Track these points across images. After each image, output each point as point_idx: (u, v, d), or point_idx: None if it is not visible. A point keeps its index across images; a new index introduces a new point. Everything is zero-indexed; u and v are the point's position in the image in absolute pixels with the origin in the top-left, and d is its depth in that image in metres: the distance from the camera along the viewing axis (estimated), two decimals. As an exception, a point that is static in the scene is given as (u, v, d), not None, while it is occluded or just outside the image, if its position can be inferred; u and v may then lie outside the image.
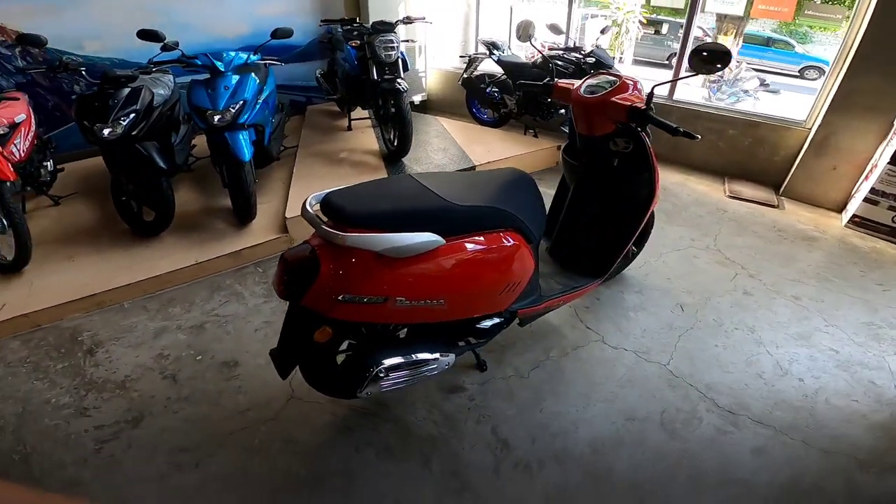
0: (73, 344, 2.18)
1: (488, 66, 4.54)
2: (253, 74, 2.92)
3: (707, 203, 3.54)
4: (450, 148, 3.90)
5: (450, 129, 4.40)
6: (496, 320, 1.76)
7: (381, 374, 1.50)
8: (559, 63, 3.95)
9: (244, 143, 2.72)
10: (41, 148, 3.44)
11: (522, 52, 4.81)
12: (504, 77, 4.40)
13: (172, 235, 2.89)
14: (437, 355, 1.63)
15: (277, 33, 3.00)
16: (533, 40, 3.59)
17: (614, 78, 1.95)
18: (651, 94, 1.82)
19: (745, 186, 3.80)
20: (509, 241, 1.57)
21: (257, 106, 2.91)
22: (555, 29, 3.81)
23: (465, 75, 4.67)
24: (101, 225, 3.03)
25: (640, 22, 10.67)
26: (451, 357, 1.69)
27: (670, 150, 4.20)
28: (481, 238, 1.51)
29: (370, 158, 3.74)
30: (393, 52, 3.40)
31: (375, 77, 3.43)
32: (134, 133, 2.67)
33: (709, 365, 2.10)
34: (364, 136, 4.22)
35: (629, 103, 1.80)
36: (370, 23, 3.76)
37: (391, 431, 1.79)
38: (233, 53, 2.86)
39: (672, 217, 3.30)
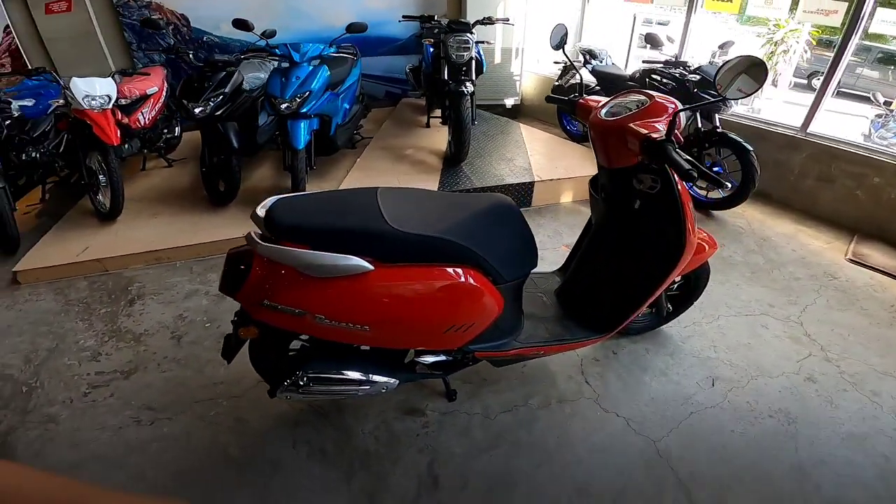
0: (122, 293, 2.55)
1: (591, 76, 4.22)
2: (326, 66, 3.09)
3: (814, 264, 2.87)
4: (517, 159, 3.71)
5: (529, 138, 4.19)
6: (441, 358, 1.63)
7: (302, 383, 1.49)
8: (656, 78, 3.52)
9: (301, 132, 2.90)
10: (169, 117, 4.08)
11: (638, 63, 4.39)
12: (598, 88, 4.07)
13: (237, 207, 3.21)
14: (375, 377, 1.56)
15: (352, 28, 3.13)
16: (567, 48, 3.22)
17: (646, 98, 1.61)
18: (673, 122, 1.43)
19: (877, 251, 3.01)
20: (462, 279, 1.43)
21: (324, 97, 3.08)
22: (652, 40, 3.38)
23: (556, 82, 4.41)
24: (189, 190, 3.49)
25: (808, 42, 9.03)
26: (393, 382, 1.61)
27: (789, 192, 3.53)
28: (425, 271, 1.40)
29: (433, 160, 3.73)
30: (465, 53, 3.33)
31: (445, 77, 3.40)
32: (218, 113, 3.01)
33: (709, 451, 1.72)
34: (439, 135, 4.23)
35: (646, 132, 1.46)
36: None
37: (332, 436, 1.78)
38: (310, 45, 3.06)
39: (757, 275, 2.74)
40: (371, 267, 1.32)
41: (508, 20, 3.82)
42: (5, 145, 3.18)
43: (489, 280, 1.50)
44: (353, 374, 1.53)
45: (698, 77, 3.31)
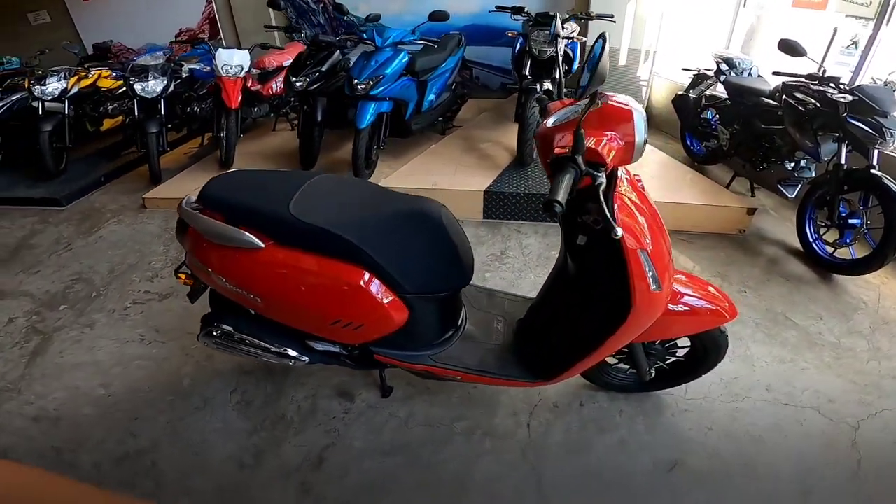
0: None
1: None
2: (405, 52, 3.19)
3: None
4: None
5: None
6: (330, 348, 1.63)
7: (216, 334, 1.64)
8: (797, 96, 2.77)
9: (367, 114, 3.08)
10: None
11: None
12: (728, 102, 3.39)
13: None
14: (284, 349, 1.63)
15: (434, 15, 3.18)
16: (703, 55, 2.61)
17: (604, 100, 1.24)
18: (579, 136, 1.06)
19: None
20: (348, 278, 1.40)
21: (398, 82, 3.20)
22: (789, 49, 2.62)
23: (680, 92, 3.78)
24: (294, 153, 3.94)
25: None
26: (304, 359, 1.65)
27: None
28: (313, 260, 1.40)
29: (503, 157, 3.53)
30: (547, 49, 3.08)
31: (526, 72, 3.20)
32: (312, 88, 3.38)
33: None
34: (529, 134, 4.03)
35: (559, 146, 1.16)
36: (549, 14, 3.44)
37: (266, 393, 1.92)
38: (394, 31, 3.19)
39: (841, 362, 2.01)
40: (262, 245, 1.39)
41: (612, 17, 3.39)
42: (173, 99, 4.06)
43: (387, 286, 1.43)
44: (262, 342, 1.63)
45: (852, 98, 2.50)
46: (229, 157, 3.71)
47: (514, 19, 3.38)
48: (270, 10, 4.85)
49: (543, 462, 1.65)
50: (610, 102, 1.21)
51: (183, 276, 1.63)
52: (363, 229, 1.40)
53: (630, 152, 1.20)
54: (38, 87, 3.84)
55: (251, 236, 1.39)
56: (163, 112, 3.78)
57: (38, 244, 3.14)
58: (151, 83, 3.66)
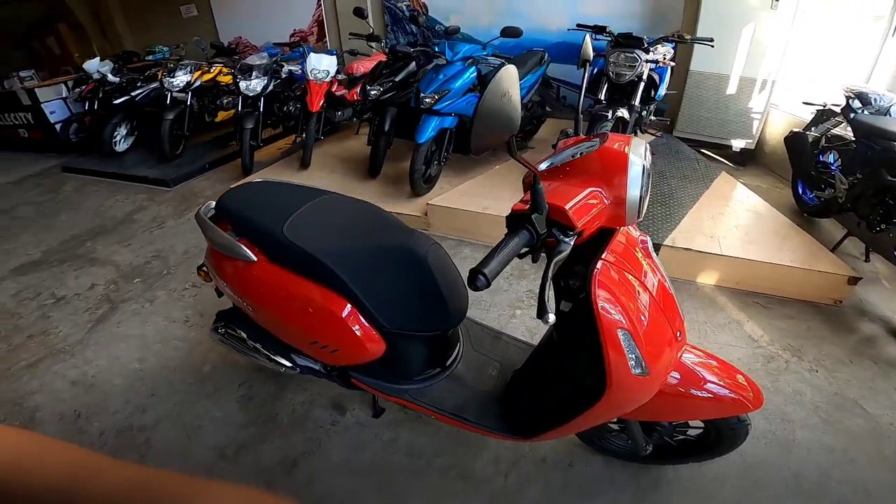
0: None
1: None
2: (475, 67, 3.14)
3: None
4: (673, 214, 2.97)
5: (723, 194, 3.26)
6: (311, 364, 1.63)
7: (220, 331, 1.74)
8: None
9: (428, 128, 3.08)
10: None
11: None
12: (853, 145, 2.84)
13: (379, 182, 3.68)
14: (276, 356, 1.68)
15: (506, 32, 3.08)
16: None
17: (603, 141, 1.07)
18: (536, 192, 0.90)
19: None
20: (330, 304, 1.39)
21: (464, 98, 3.16)
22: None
23: (797, 129, 3.25)
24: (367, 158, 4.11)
25: None
26: (293, 369, 1.68)
27: None
28: (296, 280, 1.42)
29: None
30: (627, 73, 2.82)
31: (602, 96, 2.97)
32: (384, 98, 3.48)
33: None
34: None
35: (526, 204, 0.97)
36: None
37: (268, 392, 2.00)
38: (465, 46, 3.15)
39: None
40: (254, 259, 1.45)
41: (711, 41, 2.99)
42: (272, 98, 4.44)
43: (365, 318, 1.40)
44: (256, 344, 1.69)
45: None
46: (307, 158, 3.96)
47: (596, 39, 3.15)
48: (370, 19, 5.12)
49: None
50: (605, 146, 1.04)
51: (203, 274, 1.75)
52: (347, 258, 1.39)
53: (621, 211, 1.01)
54: (167, 78, 4.44)
55: (246, 249, 1.44)
56: (261, 109, 4.15)
57: (139, 219, 3.62)
58: (254, 82, 4.04)
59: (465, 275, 0.95)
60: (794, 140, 3.25)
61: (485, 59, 3.27)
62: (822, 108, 3.20)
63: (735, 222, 2.88)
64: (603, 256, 1.05)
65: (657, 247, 2.64)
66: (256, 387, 2.03)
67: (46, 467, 0.41)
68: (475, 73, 3.15)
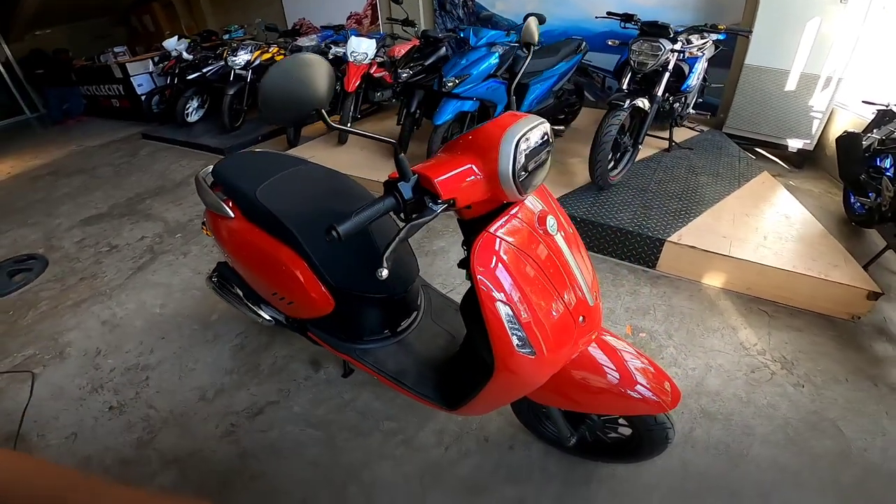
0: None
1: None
2: (497, 53, 3.14)
3: None
4: (690, 210, 2.83)
5: (762, 198, 3.02)
6: (276, 315, 1.82)
7: (213, 279, 1.97)
8: None
9: (445, 111, 3.14)
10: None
11: None
12: (906, 153, 2.55)
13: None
14: (252, 305, 1.87)
15: (528, 17, 3.01)
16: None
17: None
18: (399, 161, 0.95)
19: None
20: (286, 259, 1.55)
21: (485, 83, 3.18)
22: None
23: (851, 129, 2.93)
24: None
25: None
26: (268, 320, 1.87)
27: None
28: (260, 235, 1.59)
29: (584, 176, 3.18)
30: (648, 62, 2.69)
31: (624, 85, 2.86)
32: (412, 81, 3.58)
33: None
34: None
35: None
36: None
37: (259, 344, 2.22)
38: (490, 32, 3.16)
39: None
40: (231, 215, 1.65)
41: (749, 32, 2.76)
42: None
43: (315, 275, 1.54)
44: (238, 294, 1.90)
45: None
46: (343, 135, 4.17)
47: (624, 27, 3.02)
48: (419, 2, 5.21)
49: (433, 488, 1.60)
50: (487, 123, 1.04)
51: (204, 228, 1.98)
52: (305, 220, 1.55)
53: (496, 186, 1.01)
54: (231, 57, 4.84)
55: (224, 206, 1.65)
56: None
57: (193, 183, 4.03)
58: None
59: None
60: (846, 140, 2.93)
61: (508, 45, 3.25)
62: (884, 108, 2.87)
63: (758, 224, 2.69)
64: (491, 230, 1.06)
65: (659, 242, 2.54)
66: (250, 338, 2.26)
67: (37, 487, 0.41)
68: (497, 59, 3.15)
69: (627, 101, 2.68)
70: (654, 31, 2.75)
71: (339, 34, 4.77)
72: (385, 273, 0.94)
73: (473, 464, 1.67)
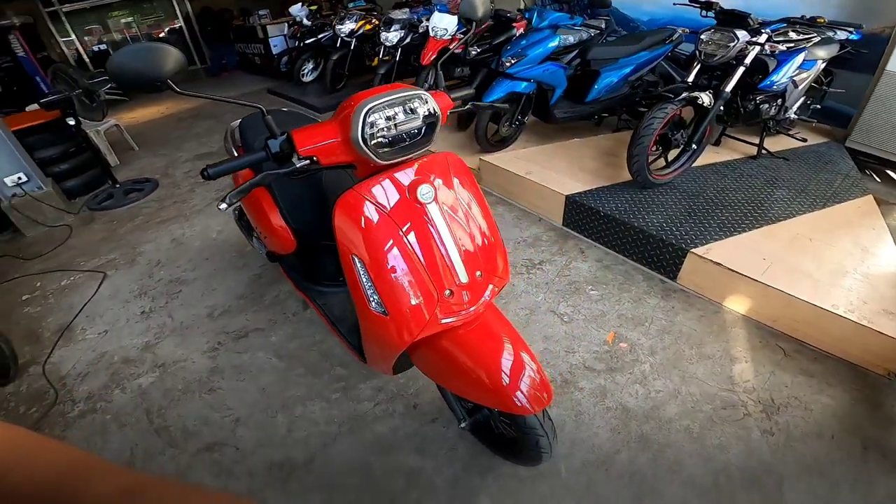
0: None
1: None
2: (558, 36, 3.02)
3: None
4: (735, 225, 2.50)
5: (830, 221, 2.56)
6: (260, 248, 2.10)
7: (235, 212, 2.31)
8: None
9: (495, 90, 3.12)
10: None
11: None
12: None
13: (464, 134, 3.91)
14: (250, 237, 2.19)
15: (594, 2, 2.83)
16: None
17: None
18: (265, 120, 1.10)
19: None
20: (261, 199, 1.80)
21: (542, 66, 3.08)
22: None
23: None
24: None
25: None
26: (261, 250, 2.17)
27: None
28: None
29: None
30: (714, 54, 2.37)
31: (689, 79, 2.57)
32: (479, 58, 3.62)
33: None
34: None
35: None
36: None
37: (271, 275, 2.56)
38: (554, 15, 3.04)
39: None
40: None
41: (859, 27, 2.25)
42: (409, 50, 4.90)
43: (281, 216, 1.77)
44: (242, 223, 2.23)
45: None
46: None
47: (704, 16, 2.67)
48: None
49: (348, 435, 1.74)
50: (357, 93, 1.11)
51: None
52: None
53: (351, 150, 1.10)
54: (338, 26, 5.28)
55: (235, 151, 1.93)
56: (396, 59, 4.68)
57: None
58: (391, 34, 4.55)
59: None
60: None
61: (571, 28, 3.10)
62: None
63: (820, 252, 2.28)
64: (355, 188, 1.14)
65: (682, 252, 2.31)
66: (269, 271, 2.61)
67: (36, 466, 0.39)
68: (558, 42, 3.03)
69: (682, 94, 2.42)
70: (733, 20, 2.42)
71: (426, 9, 4.90)
72: (223, 206, 1.08)
73: (394, 425, 1.78)
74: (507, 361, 1.21)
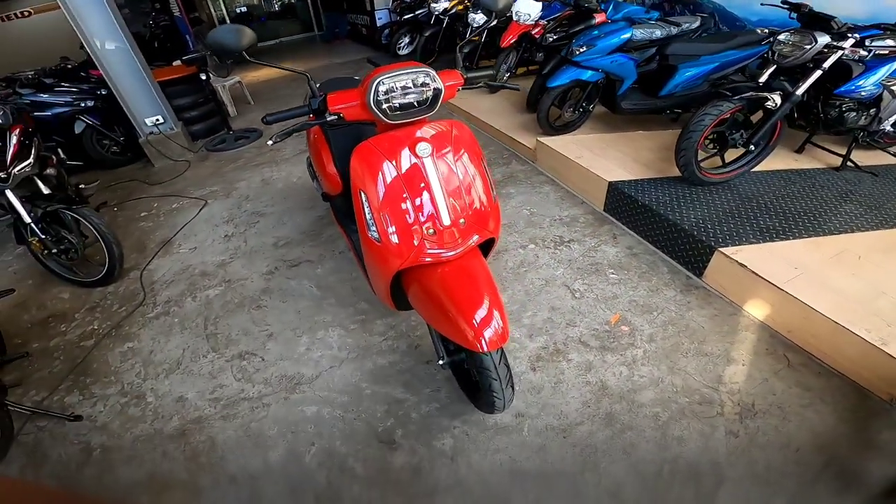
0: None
1: None
2: (630, 29, 3.05)
3: None
4: (779, 230, 2.42)
5: (887, 242, 2.39)
6: (319, 188, 2.48)
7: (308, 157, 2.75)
8: None
9: (560, 76, 3.23)
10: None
11: None
12: None
13: (530, 116, 4.04)
14: (313, 177, 2.62)
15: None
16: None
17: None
18: (307, 80, 1.50)
19: None
20: (319, 142, 2.23)
21: (611, 56, 3.13)
22: None
23: None
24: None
25: None
26: (317, 189, 2.58)
27: None
28: (317, 128, 2.28)
29: None
30: (793, 54, 2.29)
31: (761, 80, 2.49)
32: (554, 45, 3.73)
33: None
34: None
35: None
36: None
37: (327, 220, 2.97)
38: (630, 7, 3.05)
39: None
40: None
41: None
42: (495, 31, 5.04)
43: (331, 159, 2.15)
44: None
45: None
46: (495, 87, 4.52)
47: (792, 18, 2.53)
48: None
49: (352, 361, 2.07)
50: (380, 67, 1.39)
51: None
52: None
53: (367, 111, 1.38)
54: (433, 4, 5.58)
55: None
56: (482, 40, 4.88)
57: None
58: (478, 16, 4.74)
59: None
60: None
61: (645, 21, 3.08)
62: None
63: (861, 270, 2.17)
64: (368, 141, 1.44)
65: (710, 250, 2.32)
66: (326, 218, 3.03)
67: None
68: (628, 35, 3.04)
69: (748, 93, 2.39)
70: (817, 23, 2.31)
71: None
72: (270, 143, 1.44)
73: (393, 360, 2.06)
74: (474, 301, 1.42)
